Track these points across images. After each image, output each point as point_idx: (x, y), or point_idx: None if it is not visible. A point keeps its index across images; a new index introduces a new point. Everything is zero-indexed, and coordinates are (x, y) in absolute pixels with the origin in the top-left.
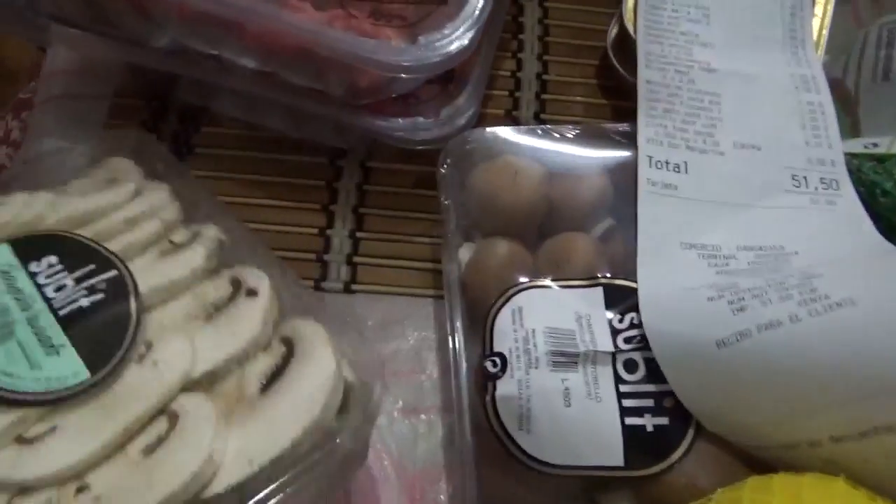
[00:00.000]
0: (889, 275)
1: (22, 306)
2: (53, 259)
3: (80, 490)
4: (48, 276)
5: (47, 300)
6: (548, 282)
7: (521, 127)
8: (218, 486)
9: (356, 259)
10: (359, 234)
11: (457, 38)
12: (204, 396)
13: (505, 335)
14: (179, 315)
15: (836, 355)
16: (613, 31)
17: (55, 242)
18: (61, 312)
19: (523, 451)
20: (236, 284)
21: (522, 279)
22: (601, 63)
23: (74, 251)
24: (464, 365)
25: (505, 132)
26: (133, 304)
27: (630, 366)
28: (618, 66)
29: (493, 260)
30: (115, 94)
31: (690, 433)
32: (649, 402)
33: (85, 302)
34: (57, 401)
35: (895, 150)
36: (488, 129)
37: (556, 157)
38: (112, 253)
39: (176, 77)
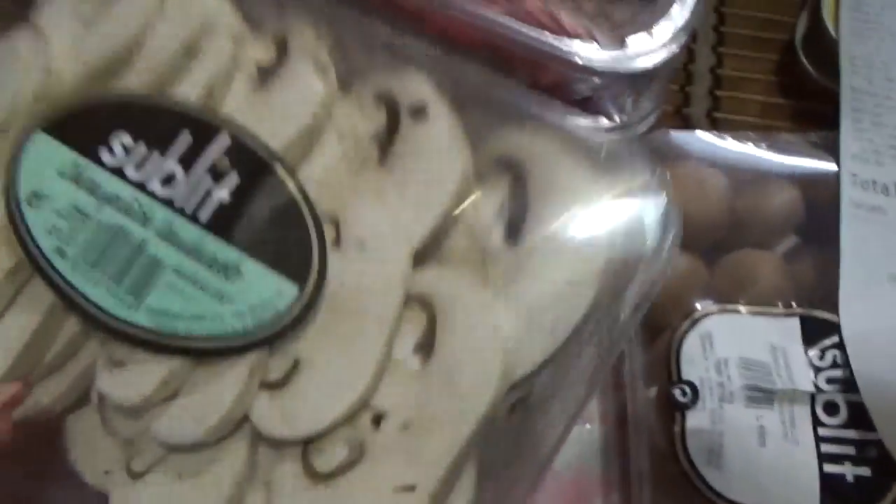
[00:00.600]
0: None
1: (139, 220)
2: (124, 137)
3: (376, 420)
4: (138, 167)
5: (166, 203)
6: (739, 307)
7: (705, 133)
8: (523, 366)
9: None
10: None
11: (665, 44)
12: (447, 268)
13: (694, 362)
14: (338, 164)
15: None
16: (803, 24)
17: (106, 112)
18: (201, 216)
19: (710, 488)
20: (391, 105)
21: (701, 298)
22: (784, 59)
23: (142, 118)
24: (640, 383)
25: (688, 137)
26: (282, 173)
27: (830, 408)
28: (807, 64)
29: (673, 275)
30: None
31: (894, 488)
32: (850, 450)
33: (222, 193)
34: (280, 333)
35: None
36: (672, 133)
37: (744, 165)
38: (191, 108)
39: None
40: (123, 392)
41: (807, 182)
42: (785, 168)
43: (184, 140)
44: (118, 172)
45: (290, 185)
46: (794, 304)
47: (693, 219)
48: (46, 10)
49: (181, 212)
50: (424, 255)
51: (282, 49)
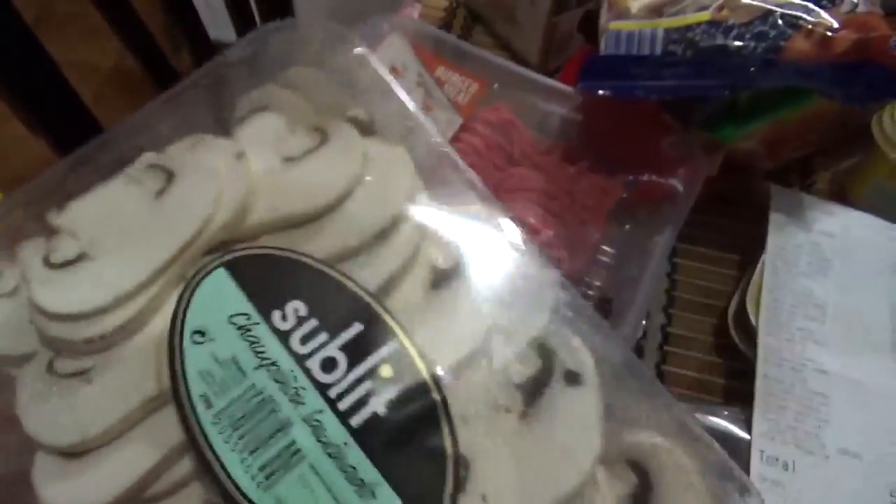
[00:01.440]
0: None
1: (289, 397)
2: (302, 307)
3: None
4: (305, 340)
5: (320, 388)
6: None
7: None
8: None
9: None
10: None
11: None
12: None
13: None
14: (481, 403)
15: None
16: (734, 304)
17: (294, 271)
18: (352, 420)
19: None
20: (547, 359)
21: None
22: (719, 323)
23: (323, 293)
24: None
25: None
26: (440, 407)
27: None
28: (736, 337)
29: None
30: None
31: None
32: None
33: (378, 403)
34: None
35: None
36: None
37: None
38: (375, 298)
39: None
40: None
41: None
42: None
43: (355, 330)
44: (283, 338)
45: (442, 420)
46: None
47: None
48: (249, 129)
49: (333, 405)
50: None
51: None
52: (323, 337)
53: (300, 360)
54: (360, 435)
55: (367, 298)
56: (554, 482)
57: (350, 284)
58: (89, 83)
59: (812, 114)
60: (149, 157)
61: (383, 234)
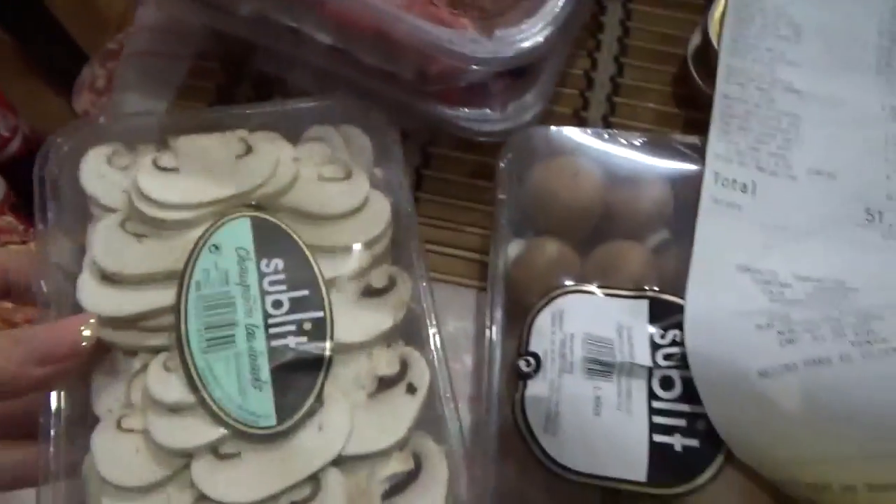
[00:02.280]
0: None
1: (245, 309)
2: (281, 264)
3: None
4: (272, 283)
5: (265, 315)
6: (593, 288)
7: (588, 129)
8: None
9: None
10: None
11: (533, 35)
12: (343, 477)
13: (543, 336)
14: (351, 378)
15: (886, 402)
16: (695, 41)
17: (288, 242)
18: (273, 343)
19: (545, 453)
20: (404, 367)
21: (568, 282)
22: (679, 72)
23: (297, 263)
24: (497, 359)
25: (570, 132)
26: (325, 363)
27: (666, 383)
28: (696, 77)
29: (541, 259)
30: (196, 55)
31: (720, 459)
32: (681, 422)
33: (292, 342)
34: (249, 436)
35: None
36: (553, 128)
37: (619, 162)
38: (326, 283)
39: (254, 46)
40: None
41: (679, 181)
42: (659, 167)
43: (303, 292)
44: (261, 276)
45: (322, 370)
46: (646, 288)
47: (565, 207)
48: (308, 147)
49: (266, 327)
50: (338, 460)
51: (391, 283)
52: (283, 287)
53: (263, 292)
54: (271, 352)
55: (321, 281)
56: (372, 441)
57: (315, 267)
58: None
59: None
60: (241, 132)
61: (347, 250)
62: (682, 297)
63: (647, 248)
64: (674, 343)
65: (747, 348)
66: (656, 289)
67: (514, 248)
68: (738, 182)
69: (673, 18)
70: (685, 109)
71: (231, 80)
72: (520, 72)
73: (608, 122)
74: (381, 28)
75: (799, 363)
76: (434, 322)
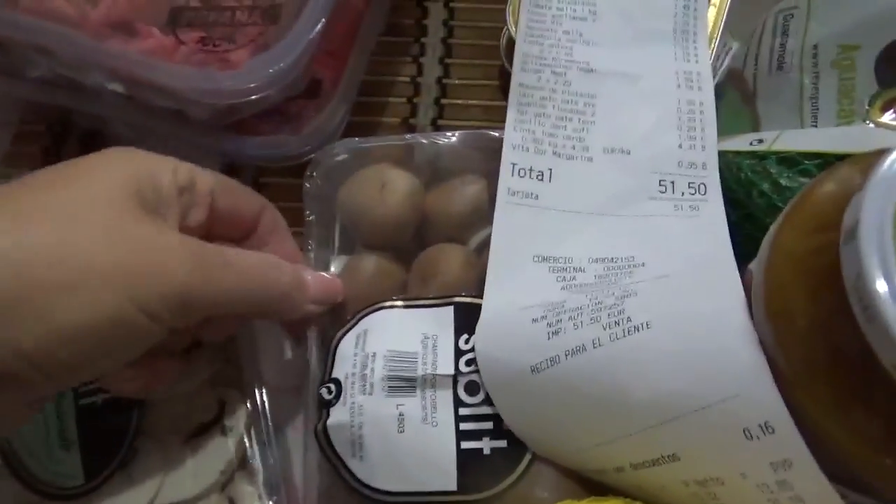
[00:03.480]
0: (690, 293)
1: None
2: None
3: None
4: None
5: None
6: (397, 302)
7: (392, 136)
8: None
9: None
10: None
11: (278, 61)
12: None
13: (346, 360)
14: (166, 424)
15: (629, 383)
16: (505, 33)
17: None
18: (81, 402)
19: (357, 479)
20: (221, 408)
21: (393, 297)
22: (502, 65)
23: None
24: (313, 389)
25: (374, 141)
26: (135, 417)
27: (471, 388)
28: (508, 68)
29: (359, 277)
30: (20, 120)
31: (528, 456)
32: (488, 425)
33: (99, 399)
34: (55, 497)
35: (776, 147)
36: (357, 140)
37: (432, 165)
38: None
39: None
40: None
41: (495, 175)
42: (472, 164)
43: None
44: None
45: (133, 423)
46: (463, 293)
47: (375, 222)
48: None
49: (75, 391)
50: None
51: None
52: None
53: None
54: (80, 413)
55: None
56: (187, 488)
57: None
58: None
59: None
60: None
61: None
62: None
63: (470, 248)
64: (474, 348)
65: (522, 345)
66: (464, 293)
67: (336, 267)
68: (535, 170)
69: (494, 10)
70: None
71: (57, 141)
72: (315, 90)
73: (437, 125)
74: (144, 78)
75: (561, 355)
76: (256, 359)
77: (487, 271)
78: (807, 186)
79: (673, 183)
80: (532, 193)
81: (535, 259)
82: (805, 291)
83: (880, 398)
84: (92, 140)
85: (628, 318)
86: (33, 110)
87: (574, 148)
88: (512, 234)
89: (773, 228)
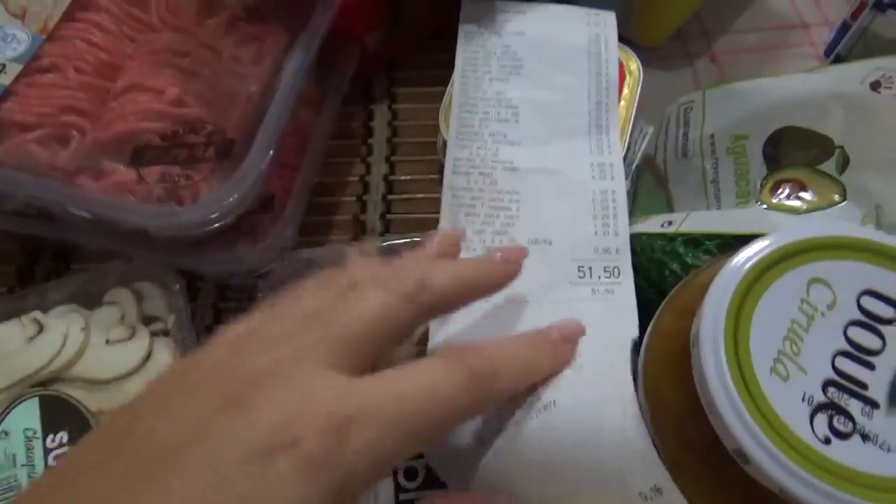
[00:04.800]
0: (595, 377)
1: None
2: (66, 436)
3: None
4: (55, 459)
5: None
6: None
7: (336, 246)
8: None
9: None
10: None
11: (232, 192)
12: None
13: None
14: None
15: (543, 459)
16: (440, 137)
17: (73, 413)
18: None
19: None
20: None
21: None
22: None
23: (82, 433)
24: None
25: (317, 252)
26: None
27: (410, 474)
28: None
29: None
30: None
31: None
32: None
33: None
34: None
35: (683, 229)
36: (304, 251)
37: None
38: None
39: None
40: None
41: None
42: None
43: None
44: (47, 452)
45: None
46: None
47: None
48: (99, 313)
49: None
50: None
51: None
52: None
53: (47, 468)
54: None
55: None
56: None
57: None
58: None
59: None
60: (35, 314)
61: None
62: None
63: (412, 340)
64: None
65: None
66: None
67: None
68: None
69: (433, 110)
70: None
71: (31, 258)
72: (267, 206)
73: (386, 220)
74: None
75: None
76: None
77: None
78: (686, 278)
79: (590, 268)
80: None
81: None
82: (674, 381)
83: (737, 480)
84: (64, 256)
85: (538, 396)
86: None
87: (502, 242)
88: (446, 335)
89: (655, 315)
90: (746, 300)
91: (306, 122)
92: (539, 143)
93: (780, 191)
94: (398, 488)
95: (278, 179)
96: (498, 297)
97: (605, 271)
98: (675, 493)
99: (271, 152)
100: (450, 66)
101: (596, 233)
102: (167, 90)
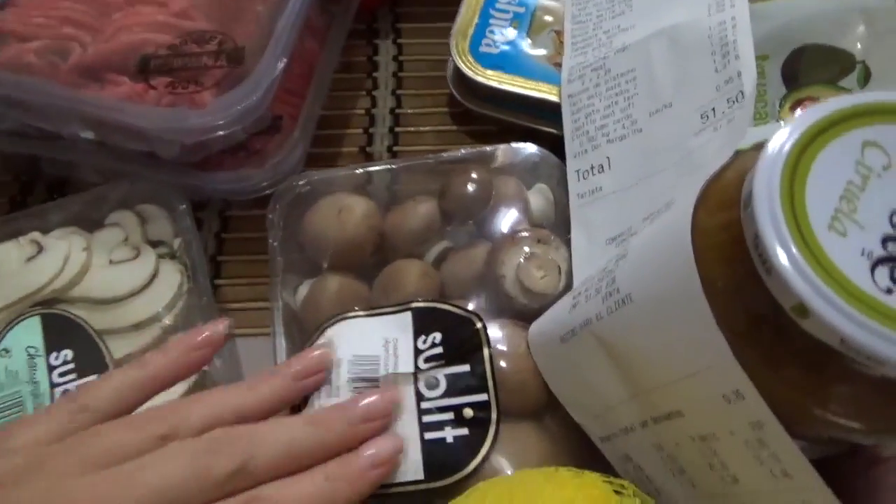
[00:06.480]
0: (660, 257)
1: (35, 405)
2: (70, 354)
3: None
4: (61, 375)
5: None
6: (360, 312)
7: (346, 167)
8: None
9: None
10: (217, 282)
11: (243, 99)
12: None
13: None
14: None
15: (626, 352)
16: (450, 64)
17: (77, 331)
18: None
19: None
20: None
21: (355, 308)
22: (450, 92)
23: (86, 350)
24: None
25: (330, 173)
26: None
27: (431, 383)
28: (457, 95)
29: (323, 296)
30: None
31: (489, 440)
32: (449, 416)
33: None
34: None
35: None
36: (315, 172)
37: (389, 190)
38: (115, 363)
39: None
40: None
41: (447, 193)
42: (421, 188)
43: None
44: (50, 370)
45: None
46: (420, 298)
47: (334, 244)
48: (101, 234)
49: None
50: None
51: None
52: (73, 375)
53: (52, 384)
54: None
55: (109, 361)
56: None
57: (104, 350)
58: None
59: None
60: (33, 235)
61: (136, 327)
62: (463, 300)
63: (427, 261)
64: (434, 345)
65: (558, 318)
66: (420, 299)
67: (303, 291)
68: (595, 166)
69: (439, 44)
70: (462, 125)
71: (25, 190)
72: (276, 126)
73: (393, 152)
74: (117, 121)
75: (577, 326)
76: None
77: (573, 263)
78: (713, 173)
79: (713, 109)
80: (596, 188)
81: (608, 242)
82: (719, 263)
83: (798, 348)
84: (60, 187)
85: (617, 288)
86: (1, 162)
87: (625, 127)
88: (587, 231)
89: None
90: (800, 161)
91: (312, 50)
92: (652, 14)
93: (799, 110)
94: (419, 396)
95: (285, 103)
96: (631, 182)
97: (727, 102)
98: (755, 397)
99: (283, 62)
100: (454, 1)
101: (716, 69)
102: (172, 2)
